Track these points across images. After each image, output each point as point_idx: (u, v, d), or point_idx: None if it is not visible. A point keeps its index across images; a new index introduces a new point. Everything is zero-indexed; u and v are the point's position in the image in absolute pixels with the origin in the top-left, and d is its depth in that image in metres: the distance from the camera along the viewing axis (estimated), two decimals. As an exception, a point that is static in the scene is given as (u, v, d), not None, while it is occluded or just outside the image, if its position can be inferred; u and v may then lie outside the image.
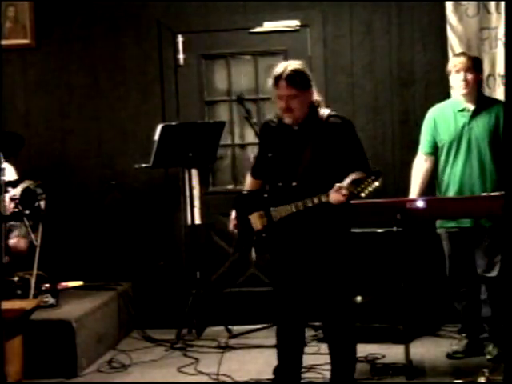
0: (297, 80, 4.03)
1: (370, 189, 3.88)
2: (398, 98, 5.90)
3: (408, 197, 4.90)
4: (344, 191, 3.86)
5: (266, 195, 4.15)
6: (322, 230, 4.06)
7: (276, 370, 4.27)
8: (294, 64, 4.09)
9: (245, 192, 4.38)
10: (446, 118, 4.89)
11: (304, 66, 4.12)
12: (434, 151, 4.94)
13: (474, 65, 4.86)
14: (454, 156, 4.84)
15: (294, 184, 4.05)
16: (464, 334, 4.99)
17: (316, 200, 3.95)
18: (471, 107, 4.83)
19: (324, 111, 4.13)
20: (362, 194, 3.89)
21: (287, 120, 4.10)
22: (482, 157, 4.77)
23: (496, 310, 4.80)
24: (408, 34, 5.87)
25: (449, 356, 4.92)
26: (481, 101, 4.85)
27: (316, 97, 4.15)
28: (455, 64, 4.86)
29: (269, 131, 4.26)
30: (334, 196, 3.89)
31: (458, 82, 4.83)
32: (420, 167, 4.98)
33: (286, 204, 4.04)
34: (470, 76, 4.81)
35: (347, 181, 3.90)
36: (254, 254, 4.18)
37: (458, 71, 4.83)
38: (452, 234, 4.87)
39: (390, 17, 5.88)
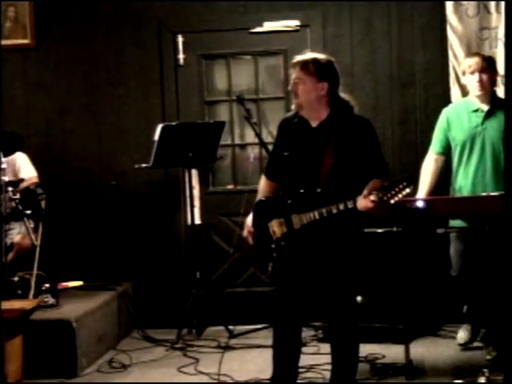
0: (309, 66, 3.97)
1: (400, 195, 3.75)
2: (398, 97, 5.90)
3: (414, 196, 4.88)
4: (373, 197, 3.74)
5: (289, 201, 3.99)
6: (341, 233, 3.96)
7: (273, 378, 4.17)
8: (318, 55, 4.06)
9: (263, 198, 4.18)
10: (459, 118, 4.88)
11: (330, 60, 4.04)
12: (445, 151, 4.93)
13: (489, 65, 4.85)
14: (467, 156, 4.83)
15: (319, 190, 3.92)
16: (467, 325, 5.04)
17: (342, 206, 3.83)
18: (485, 108, 4.82)
19: (346, 111, 4.03)
20: (392, 201, 3.75)
21: (294, 105, 4.04)
22: (496, 157, 4.75)
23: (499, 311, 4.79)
24: (408, 34, 5.87)
25: (462, 345, 4.99)
26: (495, 101, 4.84)
27: (346, 98, 4.06)
28: (470, 65, 4.84)
29: (286, 129, 4.14)
30: (362, 202, 3.78)
31: (472, 82, 4.82)
32: (429, 166, 4.96)
33: (308, 211, 3.92)
34: (484, 77, 4.80)
35: (370, 186, 3.79)
36: (271, 264, 4.04)
37: (472, 72, 4.81)
38: (461, 233, 4.85)
39: (389, 17, 5.88)
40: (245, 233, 4.23)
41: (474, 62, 4.83)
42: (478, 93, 4.81)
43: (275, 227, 4.03)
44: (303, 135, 4.05)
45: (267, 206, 4.13)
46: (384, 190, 3.75)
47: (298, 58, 4.06)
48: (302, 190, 3.98)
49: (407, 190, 3.77)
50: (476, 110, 4.84)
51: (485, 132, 4.79)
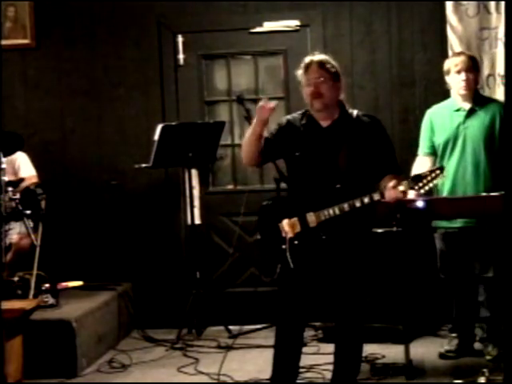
0: (327, 65, 4.01)
1: (431, 184, 3.80)
2: (398, 97, 5.90)
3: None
4: (403, 187, 3.77)
5: (304, 200, 3.96)
6: (357, 231, 3.97)
7: (273, 378, 4.16)
8: (324, 55, 4.09)
9: (269, 202, 4.15)
10: (442, 118, 4.87)
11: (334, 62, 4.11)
12: (433, 151, 4.92)
13: (473, 64, 4.84)
14: (448, 156, 4.81)
15: (338, 186, 3.91)
16: (454, 334, 4.97)
17: (367, 199, 3.83)
18: (467, 106, 4.81)
19: (353, 110, 4.08)
20: (422, 191, 3.80)
21: (316, 106, 3.97)
22: (476, 156, 4.74)
23: (494, 310, 4.79)
24: (408, 34, 5.87)
25: (442, 356, 4.91)
26: (477, 100, 4.83)
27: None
28: (456, 63, 4.82)
29: (293, 130, 4.08)
30: (392, 193, 3.79)
31: (458, 82, 4.80)
32: (419, 168, 4.95)
33: (326, 207, 3.89)
34: (470, 76, 4.78)
35: (388, 179, 3.84)
36: (279, 266, 4.00)
37: (458, 71, 4.79)
38: (444, 234, 4.86)
39: (389, 17, 5.89)
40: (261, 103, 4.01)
41: (461, 60, 4.82)
42: (463, 92, 4.80)
43: (287, 227, 3.99)
44: (315, 135, 4.04)
45: (275, 208, 4.11)
46: (414, 180, 3.80)
47: (310, 57, 4.05)
48: (320, 187, 3.94)
49: (439, 179, 3.83)
50: (458, 110, 4.83)
51: (466, 131, 4.77)
